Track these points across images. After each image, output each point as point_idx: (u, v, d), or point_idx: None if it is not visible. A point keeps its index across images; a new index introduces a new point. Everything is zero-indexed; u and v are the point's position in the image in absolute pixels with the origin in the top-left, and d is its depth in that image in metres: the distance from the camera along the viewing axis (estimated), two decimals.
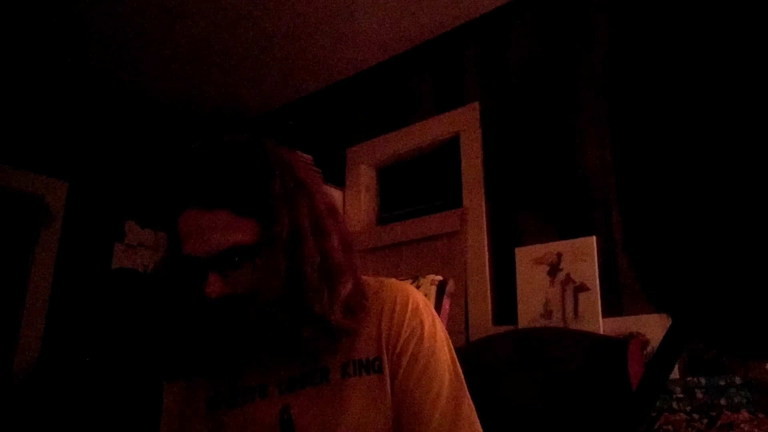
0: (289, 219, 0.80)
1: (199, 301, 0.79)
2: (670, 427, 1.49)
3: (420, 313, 0.87)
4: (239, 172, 0.80)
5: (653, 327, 1.68)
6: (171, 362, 0.85)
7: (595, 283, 1.85)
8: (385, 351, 0.84)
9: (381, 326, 0.85)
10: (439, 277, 1.54)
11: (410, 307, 0.87)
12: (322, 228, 0.84)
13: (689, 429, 1.46)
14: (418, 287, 1.51)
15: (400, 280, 1.04)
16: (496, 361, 1.46)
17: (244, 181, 0.79)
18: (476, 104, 2.33)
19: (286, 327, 0.78)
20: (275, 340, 0.78)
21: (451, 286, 1.53)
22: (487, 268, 2.14)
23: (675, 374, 1.57)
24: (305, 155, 2.64)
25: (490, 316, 2.08)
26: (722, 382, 1.48)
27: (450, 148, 2.43)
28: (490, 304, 2.10)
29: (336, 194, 2.70)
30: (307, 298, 0.79)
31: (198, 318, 0.81)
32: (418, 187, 2.62)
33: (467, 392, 0.85)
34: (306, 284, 0.79)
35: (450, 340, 0.90)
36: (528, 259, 2.02)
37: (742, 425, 1.40)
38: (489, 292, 2.11)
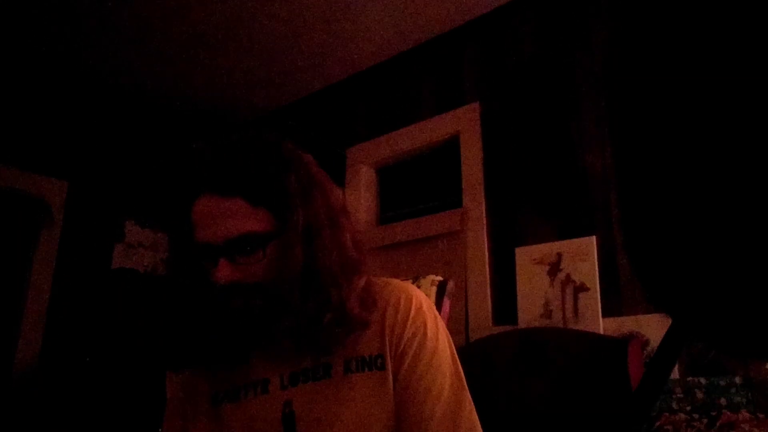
0: (305, 211, 0.81)
1: (209, 287, 0.80)
2: (670, 427, 1.49)
3: (423, 313, 0.88)
4: (256, 163, 0.82)
5: (653, 327, 1.68)
6: (176, 351, 0.86)
7: (595, 283, 1.85)
8: (388, 349, 0.84)
9: (384, 325, 0.86)
10: (440, 277, 1.54)
11: (414, 307, 0.88)
12: (336, 223, 0.86)
13: (689, 429, 1.46)
14: (418, 287, 1.51)
15: (401, 280, 1.04)
16: (496, 361, 1.46)
17: (261, 171, 0.81)
18: (476, 104, 2.33)
19: (307, 313, 0.79)
20: (294, 326, 0.79)
21: (451, 286, 1.53)
22: (487, 268, 2.14)
23: (675, 374, 1.57)
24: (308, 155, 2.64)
25: (490, 316, 2.08)
26: (722, 382, 1.48)
27: (450, 148, 2.43)
28: (490, 304, 2.10)
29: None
30: (327, 287, 0.80)
31: (207, 304, 0.82)
32: (418, 187, 2.62)
33: (468, 392, 0.86)
34: (325, 274, 0.80)
35: (452, 341, 0.91)
36: (528, 259, 2.02)
37: (742, 425, 1.40)
38: (489, 292, 2.11)
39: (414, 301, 0.89)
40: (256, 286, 0.80)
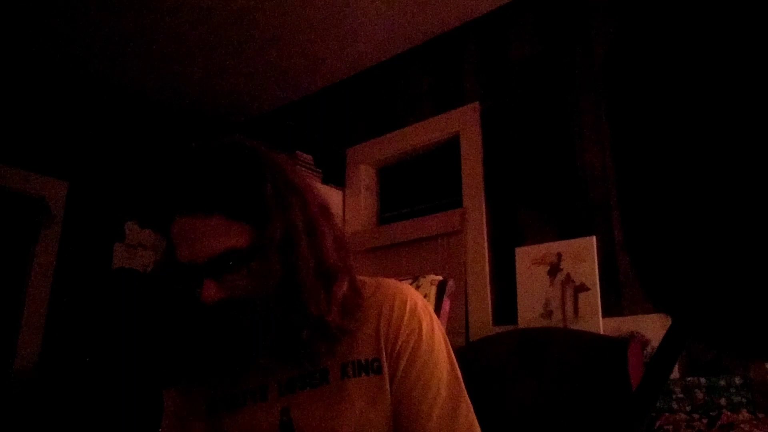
0: (282, 221, 0.80)
1: (196, 308, 0.79)
2: (670, 427, 1.49)
3: (418, 313, 0.87)
4: (230, 177, 0.80)
5: (653, 327, 1.68)
6: (169, 370, 0.85)
7: (595, 283, 1.84)
8: (383, 352, 0.84)
9: (379, 327, 0.85)
10: (439, 277, 1.54)
11: (408, 307, 0.87)
12: (315, 229, 0.84)
13: (689, 429, 1.46)
14: (418, 287, 1.51)
15: (400, 280, 1.04)
16: (496, 361, 1.46)
17: (236, 185, 0.79)
18: (476, 104, 2.33)
19: (284, 329, 0.78)
20: (273, 343, 0.78)
21: (451, 286, 1.53)
22: (487, 268, 2.14)
23: (675, 374, 1.57)
24: (305, 155, 2.64)
25: (490, 316, 2.08)
26: (722, 382, 1.48)
27: (450, 148, 2.43)
28: (490, 304, 2.10)
29: (336, 194, 2.70)
30: (304, 299, 0.78)
31: (195, 325, 0.80)
32: (418, 187, 2.62)
33: (465, 392, 0.86)
34: (302, 286, 0.79)
35: (448, 340, 0.90)
36: (528, 259, 2.02)
37: (742, 425, 1.40)
38: (489, 292, 2.11)
39: (408, 301, 0.88)
40: (242, 303, 0.78)
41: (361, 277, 0.92)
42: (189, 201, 0.79)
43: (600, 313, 1.82)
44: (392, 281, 0.93)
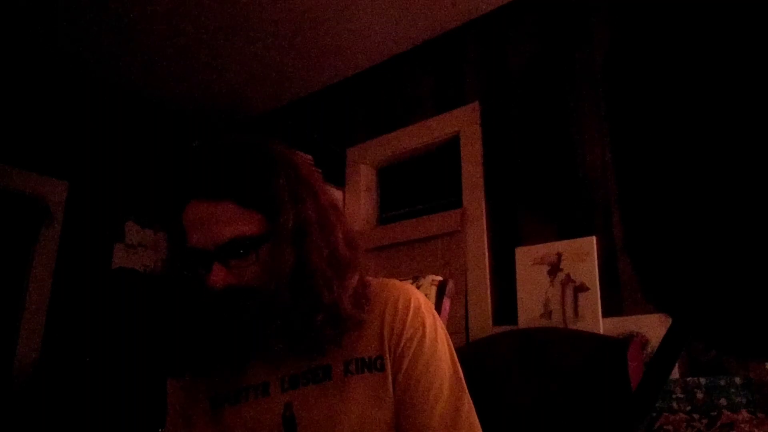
0: (294, 212, 0.81)
1: (203, 293, 0.80)
2: (670, 427, 1.49)
3: (421, 313, 0.88)
4: (244, 165, 0.81)
5: (653, 327, 1.68)
6: (175, 357, 0.85)
7: (595, 283, 1.84)
8: (387, 350, 0.84)
9: (383, 326, 0.86)
10: (439, 278, 1.54)
11: (412, 307, 0.88)
12: (327, 222, 0.85)
13: (689, 429, 1.46)
14: (418, 287, 1.52)
15: (401, 280, 1.04)
16: (496, 361, 1.46)
17: (250, 173, 0.81)
18: (476, 104, 2.33)
19: (296, 315, 0.79)
20: (285, 327, 0.79)
21: (451, 286, 1.53)
22: (487, 268, 2.14)
23: (675, 374, 1.57)
24: (305, 155, 2.64)
25: (490, 316, 2.08)
26: (722, 382, 1.48)
27: (450, 148, 2.43)
28: (490, 304, 2.10)
29: (336, 194, 2.70)
30: (317, 287, 0.80)
31: (202, 310, 0.81)
32: (418, 187, 2.62)
33: (467, 391, 0.86)
34: (315, 274, 0.80)
35: (450, 340, 0.91)
36: (528, 259, 2.02)
37: (742, 425, 1.40)
38: (489, 292, 2.11)
39: (412, 301, 0.89)
40: (250, 290, 0.79)
41: (366, 277, 0.93)
42: (202, 186, 0.80)
43: (600, 313, 1.82)
44: (396, 281, 0.94)
